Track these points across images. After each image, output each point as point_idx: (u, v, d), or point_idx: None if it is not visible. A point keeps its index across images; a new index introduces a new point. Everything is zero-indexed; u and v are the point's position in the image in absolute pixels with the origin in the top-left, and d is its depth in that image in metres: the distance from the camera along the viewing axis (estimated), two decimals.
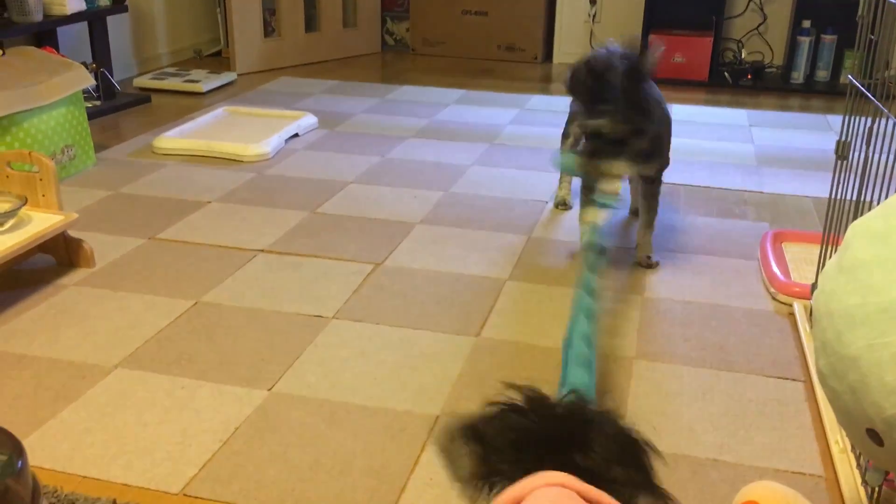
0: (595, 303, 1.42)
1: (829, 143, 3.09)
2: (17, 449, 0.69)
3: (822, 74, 4.04)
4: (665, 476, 1.29)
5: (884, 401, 0.85)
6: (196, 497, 1.22)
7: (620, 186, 1.83)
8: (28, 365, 1.55)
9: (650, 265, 2.00)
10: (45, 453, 1.31)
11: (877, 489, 1.18)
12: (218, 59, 4.33)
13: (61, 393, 1.46)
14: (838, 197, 1.57)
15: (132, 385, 1.49)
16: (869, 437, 0.91)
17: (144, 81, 3.69)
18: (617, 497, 0.74)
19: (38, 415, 1.40)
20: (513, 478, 0.74)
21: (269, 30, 4.17)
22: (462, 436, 0.80)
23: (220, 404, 1.44)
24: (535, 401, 0.81)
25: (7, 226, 1.79)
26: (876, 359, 0.85)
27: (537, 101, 3.68)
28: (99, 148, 2.79)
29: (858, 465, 1.26)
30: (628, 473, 0.77)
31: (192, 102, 3.50)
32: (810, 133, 3.25)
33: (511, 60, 4.55)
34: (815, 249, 2.02)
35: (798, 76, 4.02)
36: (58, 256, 1.95)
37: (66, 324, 1.69)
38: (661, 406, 1.46)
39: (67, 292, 1.83)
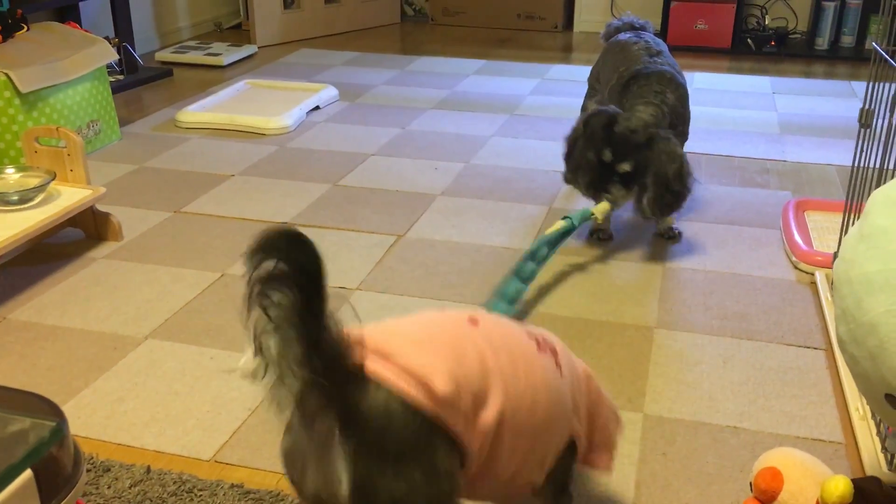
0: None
1: (853, 110, 3.06)
2: (59, 417, 0.72)
3: (847, 40, 3.99)
4: (685, 443, 1.31)
5: None
6: (227, 463, 1.25)
7: (605, 210, 1.90)
8: (61, 336, 1.59)
9: (672, 236, 2.00)
10: (80, 421, 1.35)
11: None
12: (238, 32, 4.34)
13: (94, 363, 1.50)
14: (861, 165, 1.56)
15: (162, 355, 1.53)
16: (887, 402, 0.92)
17: (166, 55, 3.71)
18: None
19: (73, 384, 1.44)
20: None
21: (288, 1, 4.16)
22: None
23: None
24: None
25: (37, 200, 1.82)
26: (895, 324, 0.86)
27: (558, 70, 3.66)
28: (123, 122, 2.82)
29: (878, 432, 1.27)
30: None
31: (214, 76, 3.52)
32: (835, 100, 3.21)
33: (531, 29, 4.51)
34: (838, 218, 2.02)
35: (822, 42, 3.97)
36: (86, 230, 1.99)
37: (97, 296, 1.73)
38: (682, 374, 1.48)
39: (97, 265, 1.87)
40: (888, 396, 0.91)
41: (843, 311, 0.94)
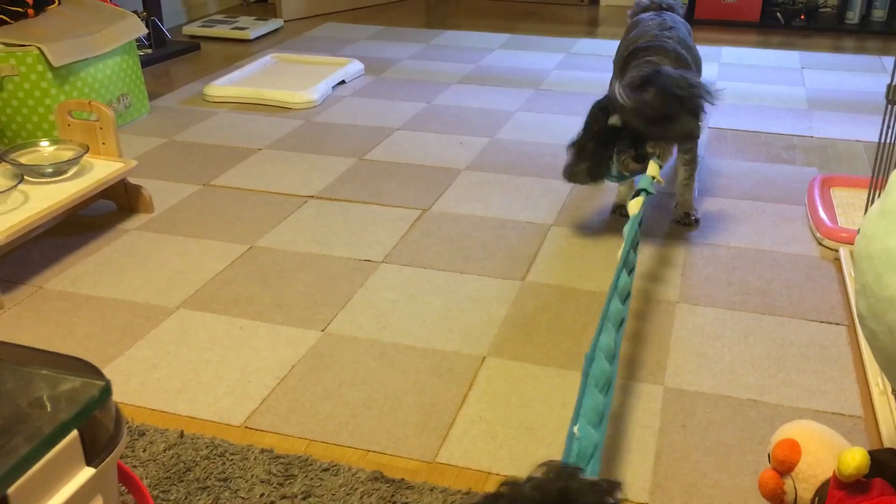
0: (625, 307, 1.36)
1: (883, 85, 3.02)
2: (103, 379, 0.75)
3: (879, 14, 3.92)
4: (705, 415, 1.33)
5: None
6: (257, 429, 1.29)
7: (658, 170, 1.78)
8: (95, 305, 1.63)
9: (689, 223, 1.97)
10: (115, 388, 1.39)
11: None
12: (264, 6, 4.35)
13: (128, 332, 1.54)
14: (888, 141, 1.56)
15: (194, 325, 1.57)
16: None
17: (193, 29, 3.74)
18: None
19: (108, 352, 1.48)
20: None
21: None
22: None
23: (277, 343, 1.51)
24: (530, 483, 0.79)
25: (70, 173, 1.86)
26: None
27: (583, 44, 3.64)
28: (152, 96, 2.86)
29: None
30: None
31: (240, 50, 3.54)
32: (864, 75, 3.18)
33: (557, 3, 4.48)
34: (863, 195, 2.01)
35: (853, 16, 3.91)
36: (118, 202, 2.03)
37: (129, 266, 1.78)
38: (703, 348, 1.49)
39: (129, 236, 1.91)
40: None
41: (863, 286, 0.96)
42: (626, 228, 1.56)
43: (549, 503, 0.75)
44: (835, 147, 2.45)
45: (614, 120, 1.78)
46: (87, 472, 0.72)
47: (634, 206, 1.63)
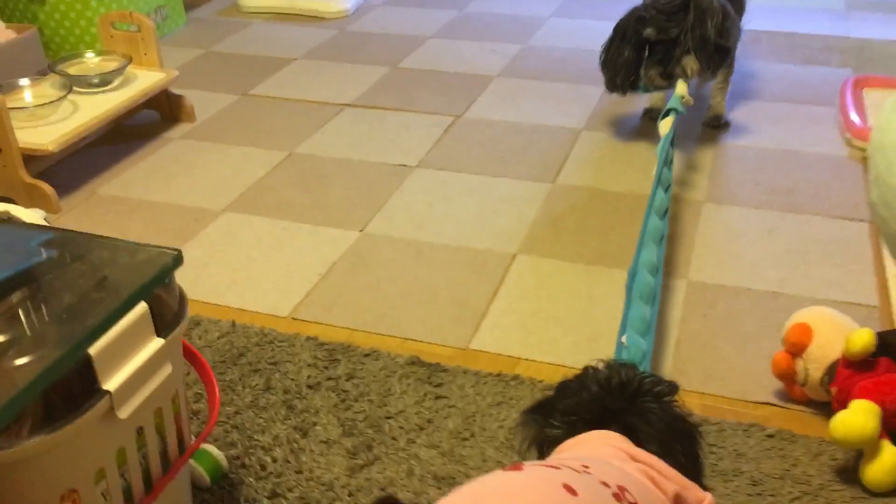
0: (664, 223, 1.39)
1: None
2: (175, 250, 0.84)
3: None
4: (726, 306, 1.40)
5: None
6: (302, 320, 1.39)
7: (686, 88, 1.78)
8: (147, 209, 1.72)
9: (719, 126, 1.98)
10: None
11: None
12: None
13: (179, 233, 1.64)
14: None
15: (239, 226, 1.65)
16: None
17: None
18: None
19: None
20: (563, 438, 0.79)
21: None
22: (531, 407, 0.86)
23: (318, 243, 1.59)
24: (597, 372, 0.84)
25: (115, 83, 1.93)
26: None
27: None
28: (188, 7, 2.89)
29: None
30: (676, 458, 0.78)
31: None
32: None
33: None
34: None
35: None
36: (162, 112, 2.10)
37: (176, 173, 1.86)
38: (727, 245, 1.55)
39: (174, 145, 1.99)
40: None
41: (876, 176, 1.00)
42: (658, 148, 1.60)
43: (626, 388, 0.81)
44: (871, 48, 2.43)
45: (649, 32, 1.79)
46: (157, 342, 0.81)
47: (664, 127, 1.67)
